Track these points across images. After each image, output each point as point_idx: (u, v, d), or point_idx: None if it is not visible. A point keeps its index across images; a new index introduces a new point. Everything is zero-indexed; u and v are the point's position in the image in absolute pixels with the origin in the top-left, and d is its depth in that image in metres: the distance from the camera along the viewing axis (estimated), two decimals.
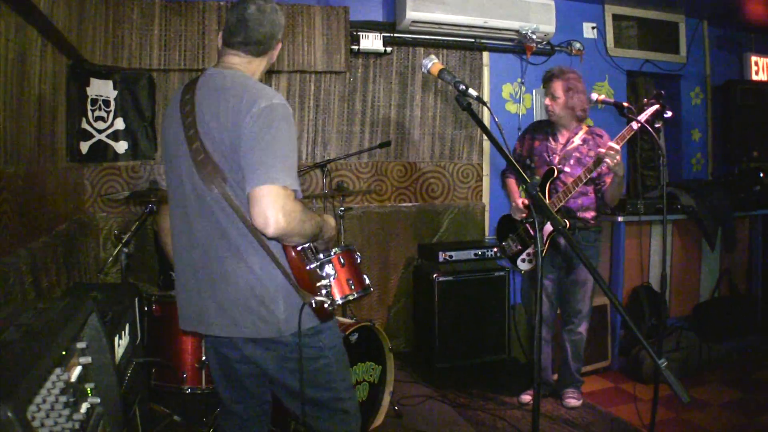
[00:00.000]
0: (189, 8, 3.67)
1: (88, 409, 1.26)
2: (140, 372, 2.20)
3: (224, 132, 1.62)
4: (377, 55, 4.19)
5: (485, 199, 4.62)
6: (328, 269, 1.84)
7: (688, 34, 5.18)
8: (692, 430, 3.18)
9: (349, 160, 4.22)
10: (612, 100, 3.03)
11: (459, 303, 3.86)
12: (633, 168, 5.25)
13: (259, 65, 1.83)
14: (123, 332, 2.02)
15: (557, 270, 3.38)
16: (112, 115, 3.64)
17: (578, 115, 3.26)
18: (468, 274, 3.92)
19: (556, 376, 3.57)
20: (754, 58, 5.55)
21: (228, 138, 1.62)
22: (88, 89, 3.54)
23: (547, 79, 3.31)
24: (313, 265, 1.76)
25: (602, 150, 2.94)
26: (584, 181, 3.05)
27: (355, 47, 4.07)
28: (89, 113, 3.56)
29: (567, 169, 3.24)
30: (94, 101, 3.57)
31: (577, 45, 4.73)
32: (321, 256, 1.88)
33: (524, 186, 1.59)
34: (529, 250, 3.34)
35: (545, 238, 3.20)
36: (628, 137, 2.94)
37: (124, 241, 2.80)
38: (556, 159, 3.29)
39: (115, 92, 3.64)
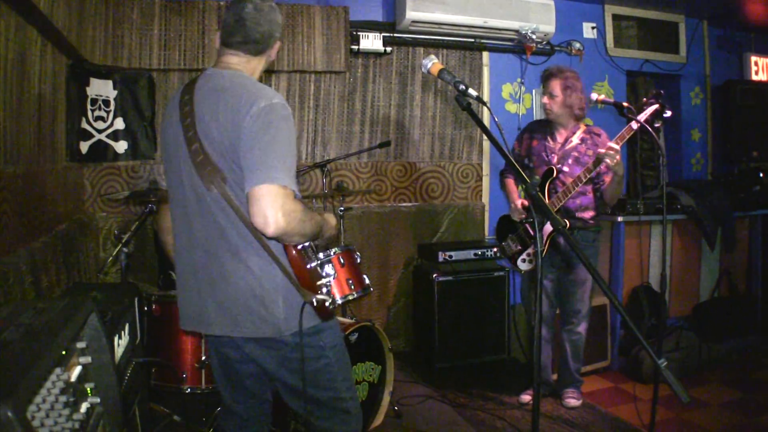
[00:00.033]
0: (189, 8, 3.67)
1: (87, 408, 1.26)
2: (140, 372, 2.20)
3: (223, 132, 1.62)
4: (377, 55, 4.19)
5: (485, 198, 4.62)
6: (328, 269, 1.84)
7: (688, 34, 5.18)
8: (692, 430, 3.18)
9: (349, 160, 4.22)
10: (612, 100, 3.04)
11: (459, 303, 3.86)
12: (633, 168, 5.25)
13: (258, 64, 1.83)
14: (123, 332, 2.02)
15: (556, 270, 3.38)
16: (111, 114, 3.64)
17: (576, 114, 3.26)
18: (468, 274, 3.92)
19: (555, 376, 3.57)
20: (753, 58, 5.55)
21: (227, 138, 1.62)
22: (87, 89, 3.54)
23: (545, 78, 3.31)
24: (313, 264, 1.76)
25: (602, 150, 2.94)
26: (584, 181, 3.05)
27: (355, 47, 4.07)
28: (89, 113, 3.56)
29: (565, 168, 3.24)
30: (93, 101, 3.57)
31: (577, 45, 4.73)
32: (321, 256, 1.88)
33: (524, 186, 1.59)
34: (529, 250, 3.34)
35: (545, 239, 3.20)
36: (627, 137, 2.94)
37: (123, 240, 2.80)
38: (555, 158, 3.29)
39: (115, 92, 3.64)
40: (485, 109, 2.76)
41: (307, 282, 1.71)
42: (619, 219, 4.11)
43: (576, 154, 3.26)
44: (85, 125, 3.55)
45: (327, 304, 1.73)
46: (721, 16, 5.12)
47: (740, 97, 5.21)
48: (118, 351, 1.92)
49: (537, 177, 3.24)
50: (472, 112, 1.82)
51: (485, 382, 3.78)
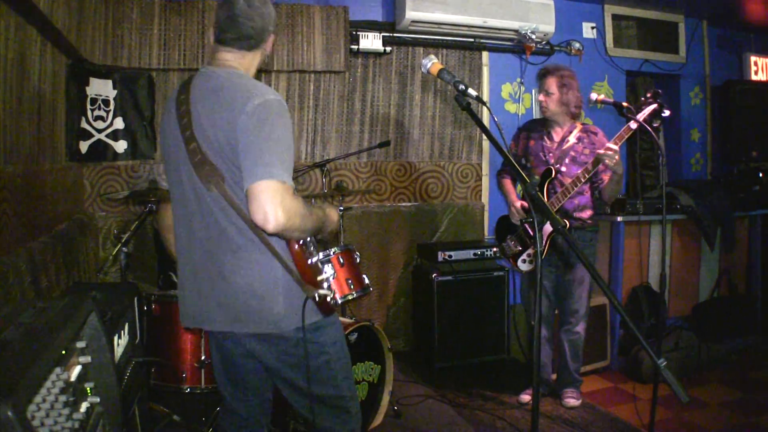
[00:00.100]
0: (188, 7, 3.67)
1: (87, 408, 1.26)
2: (140, 371, 2.20)
3: (219, 131, 1.62)
4: (377, 54, 4.19)
5: (484, 198, 4.62)
6: (328, 269, 1.85)
7: (688, 34, 5.19)
8: (691, 430, 3.18)
9: (349, 160, 4.22)
10: (611, 99, 3.04)
11: (458, 303, 3.86)
12: (632, 168, 5.25)
13: (252, 59, 1.83)
14: (122, 331, 2.02)
15: (555, 270, 3.38)
16: (111, 114, 3.64)
17: (572, 112, 3.26)
18: (467, 273, 3.92)
19: (555, 376, 3.57)
20: (753, 58, 5.56)
21: (224, 137, 1.62)
22: (87, 89, 3.54)
23: (542, 76, 3.31)
24: (314, 259, 1.76)
25: (601, 151, 2.94)
26: (583, 181, 3.05)
27: (355, 47, 4.07)
28: (89, 113, 3.56)
29: (563, 168, 3.25)
30: (93, 101, 3.57)
31: (577, 45, 4.73)
32: (320, 255, 1.88)
33: (523, 186, 1.59)
34: (530, 250, 3.35)
35: (545, 239, 3.20)
36: (626, 137, 2.94)
37: (123, 240, 2.80)
38: (552, 158, 3.29)
39: (115, 92, 3.64)
40: (485, 108, 2.76)
41: (309, 277, 1.71)
42: (619, 219, 4.12)
43: (573, 153, 3.26)
44: (84, 125, 3.55)
45: (328, 299, 1.73)
46: (721, 16, 5.12)
47: (740, 97, 5.21)
48: (118, 350, 1.92)
49: (537, 177, 3.24)
50: (471, 111, 1.82)
51: (485, 381, 3.78)
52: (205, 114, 1.65)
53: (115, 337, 1.89)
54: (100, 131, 3.62)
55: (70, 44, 2.98)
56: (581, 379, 3.51)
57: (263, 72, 3.91)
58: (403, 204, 4.40)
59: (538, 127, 3.43)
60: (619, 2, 4.87)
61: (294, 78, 4.03)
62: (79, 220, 3.37)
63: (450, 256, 3.93)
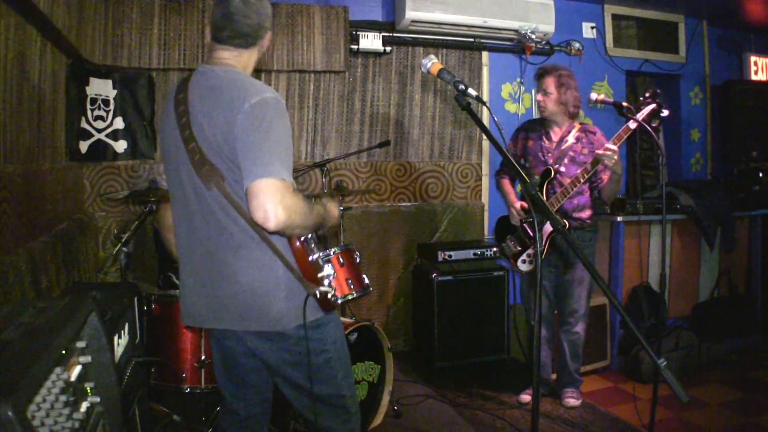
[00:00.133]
0: (188, 7, 3.67)
1: (87, 408, 1.26)
2: (140, 371, 2.20)
3: (218, 130, 1.62)
4: (377, 54, 4.19)
5: (484, 198, 4.62)
6: (328, 268, 1.84)
7: (688, 34, 5.19)
8: (691, 430, 3.18)
9: (348, 160, 4.22)
10: (611, 99, 3.03)
11: (458, 302, 3.86)
12: (632, 168, 5.25)
13: (250, 57, 1.83)
14: (122, 331, 2.02)
15: (555, 269, 3.38)
16: (111, 114, 3.64)
17: (571, 112, 3.26)
18: (467, 273, 3.92)
19: (555, 376, 3.57)
20: (753, 58, 5.55)
21: (222, 136, 1.62)
22: (87, 88, 3.54)
23: (540, 75, 3.31)
24: (315, 256, 1.76)
25: (600, 151, 2.94)
26: (582, 182, 3.05)
27: (355, 47, 4.07)
28: (89, 112, 3.56)
29: (562, 168, 3.24)
30: (93, 100, 3.57)
31: (577, 45, 4.73)
32: (321, 254, 1.88)
33: (523, 186, 1.59)
34: (529, 251, 3.34)
35: (545, 239, 3.20)
36: (625, 137, 2.94)
37: (123, 240, 2.80)
38: (551, 159, 3.29)
39: (115, 91, 3.64)
40: (485, 108, 2.76)
41: (311, 274, 1.71)
42: (619, 219, 4.12)
43: (572, 153, 3.25)
44: (84, 125, 3.55)
45: (329, 296, 1.73)
46: (721, 16, 5.12)
47: (740, 97, 5.21)
48: (118, 350, 1.92)
49: (537, 177, 3.24)
50: (471, 111, 1.82)
51: (485, 381, 3.78)
52: (204, 113, 1.66)
53: (116, 337, 1.89)
54: (100, 131, 3.62)
55: (70, 44, 2.98)
56: (581, 379, 3.51)
57: (263, 72, 3.91)
58: (403, 204, 4.40)
59: (536, 127, 3.43)
60: (619, 2, 4.87)
61: (294, 78, 4.03)
62: (79, 219, 3.37)
63: (450, 256, 3.93)
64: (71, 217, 3.23)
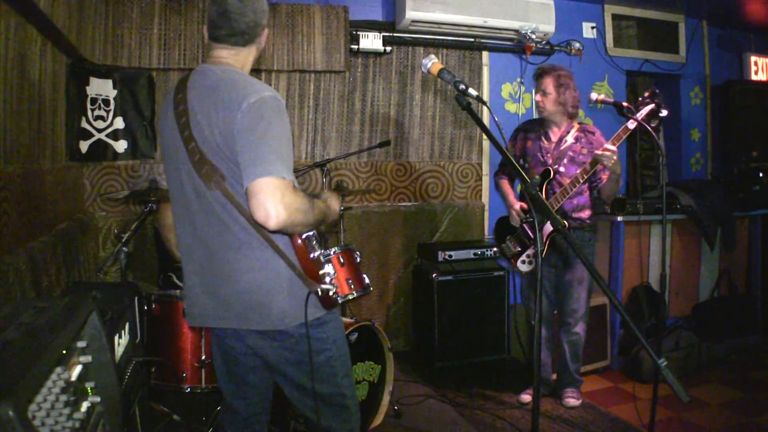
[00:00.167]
0: (188, 7, 3.67)
1: (88, 408, 1.26)
2: (140, 371, 2.20)
3: (217, 130, 1.62)
4: (377, 54, 4.19)
5: (485, 198, 4.62)
6: (328, 268, 1.84)
7: (688, 34, 5.18)
8: (691, 430, 3.18)
9: (349, 160, 4.22)
10: (611, 99, 3.03)
11: (458, 302, 3.86)
12: (632, 168, 5.25)
13: (248, 55, 1.83)
14: (123, 331, 2.02)
15: (554, 269, 3.38)
16: (111, 114, 3.64)
17: (569, 112, 3.25)
18: (467, 273, 3.92)
19: (555, 376, 3.57)
20: (753, 58, 5.55)
21: (222, 136, 1.62)
22: (87, 88, 3.54)
23: (538, 76, 3.31)
24: (317, 253, 1.76)
25: (599, 151, 2.93)
26: (581, 182, 3.05)
27: (355, 47, 4.07)
28: (89, 112, 3.56)
29: (561, 169, 3.24)
30: (93, 100, 3.57)
31: (577, 45, 4.73)
32: (321, 252, 1.88)
33: (523, 186, 1.59)
34: (529, 251, 3.34)
35: (544, 239, 3.20)
36: (624, 137, 2.93)
37: (123, 240, 2.80)
38: (551, 159, 3.29)
39: (115, 91, 3.64)
40: (485, 108, 2.76)
41: (312, 271, 1.72)
42: (619, 219, 4.11)
43: (571, 153, 3.25)
44: (84, 124, 3.55)
45: (331, 293, 1.73)
46: (721, 16, 5.12)
47: (740, 97, 5.21)
48: (119, 350, 1.92)
49: (537, 177, 3.24)
50: (472, 111, 1.82)
51: (485, 381, 3.78)
52: (203, 113, 1.66)
53: (116, 337, 1.89)
54: (100, 131, 3.62)
55: (70, 44, 2.98)
56: (581, 379, 3.51)
57: (264, 72, 3.92)
58: (404, 204, 4.40)
59: (535, 127, 3.42)
60: (619, 2, 4.87)
61: (294, 78, 4.03)
62: (80, 219, 3.37)
63: (450, 256, 3.93)
64: (71, 216, 3.23)
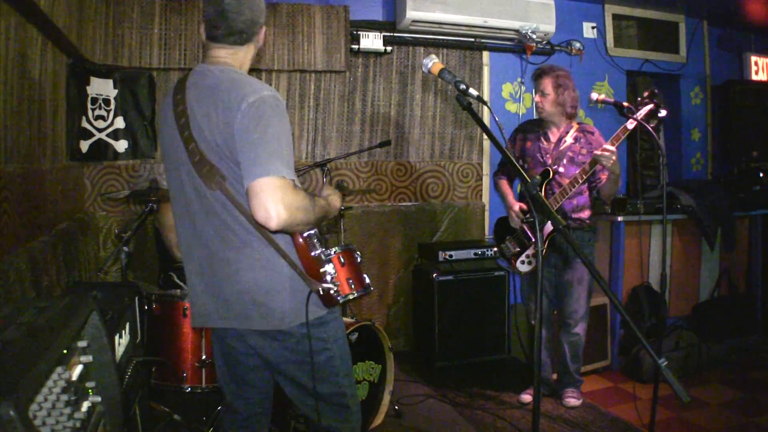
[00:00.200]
0: (189, 7, 3.67)
1: (89, 407, 1.26)
2: (140, 371, 2.20)
3: (217, 131, 1.62)
4: (377, 54, 4.19)
5: (485, 198, 4.62)
6: (329, 268, 1.84)
7: (688, 34, 5.19)
8: (692, 430, 3.18)
9: (349, 160, 4.22)
10: (612, 99, 3.03)
11: (459, 302, 3.86)
12: (633, 168, 5.25)
13: (246, 54, 1.82)
14: (123, 331, 2.02)
15: (554, 269, 3.38)
16: (112, 114, 3.64)
17: (568, 112, 3.25)
18: (468, 273, 3.92)
19: (555, 376, 3.57)
20: (753, 58, 5.56)
21: (221, 136, 1.62)
22: (88, 88, 3.54)
23: (537, 76, 3.30)
24: (318, 251, 1.76)
25: (598, 152, 2.93)
26: (581, 182, 3.05)
27: (355, 46, 4.07)
28: (89, 112, 3.56)
29: (561, 169, 3.24)
30: (94, 100, 3.57)
31: (577, 45, 4.73)
32: (322, 251, 1.88)
33: (524, 186, 1.59)
34: (528, 251, 3.34)
35: (544, 239, 3.20)
36: (623, 137, 2.93)
37: (124, 240, 2.80)
38: (550, 159, 3.28)
39: (116, 91, 3.64)
40: (485, 108, 2.75)
41: (314, 270, 1.72)
42: (620, 219, 4.11)
43: (571, 153, 3.25)
44: (85, 124, 3.55)
45: (332, 292, 1.73)
46: (721, 15, 5.12)
47: (740, 97, 5.21)
48: (119, 350, 1.92)
49: (538, 177, 3.24)
50: (473, 111, 1.82)
51: (485, 381, 3.78)
52: (202, 114, 1.65)
53: (116, 337, 1.89)
54: (100, 131, 3.62)
55: (70, 43, 2.98)
56: (582, 379, 3.51)
57: (264, 71, 3.92)
58: (404, 204, 4.40)
59: (534, 128, 3.42)
60: (619, 2, 4.87)
61: (294, 77, 4.03)
62: (80, 219, 3.37)
63: (451, 256, 3.93)
64: (72, 216, 3.23)
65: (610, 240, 4.23)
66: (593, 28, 4.84)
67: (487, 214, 4.61)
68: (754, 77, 5.55)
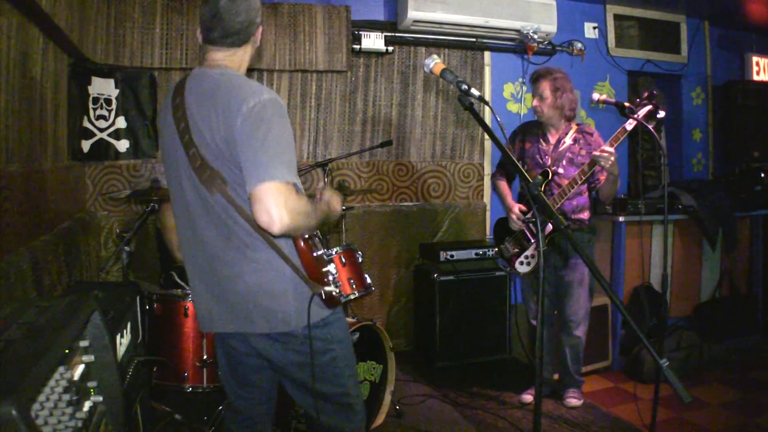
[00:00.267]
0: (190, 6, 3.67)
1: (90, 407, 1.27)
2: (142, 370, 2.20)
3: (217, 135, 1.61)
4: (379, 54, 4.20)
5: (486, 198, 4.62)
6: (330, 268, 1.85)
7: (689, 34, 5.18)
8: (692, 430, 3.18)
9: (350, 160, 4.22)
10: (613, 99, 3.03)
11: (460, 302, 3.86)
12: (634, 168, 5.25)
13: (243, 55, 1.81)
14: (125, 331, 2.02)
15: (553, 270, 3.37)
16: (113, 113, 3.65)
17: (567, 115, 3.24)
18: (469, 273, 3.92)
19: (557, 376, 3.57)
20: (755, 59, 5.55)
21: (222, 141, 1.61)
22: (89, 88, 3.55)
23: (534, 80, 3.29)
24: (319, 252, 1.76)
25: (597, 152, 2.93)
26: (580, 183, 3.05)
27: (357, 46, 4.07)
28: (91, 112, 3.57)
29: (560, 170, 3.24)
30: (95, 100, 3.57)
31: (579, 45, 4.73)
32: (324, 251, 1.88)
33: (527, 186, 1.58)
34: (527, 252, 3.33)
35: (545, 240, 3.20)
36: (621, 138, 2.93)
37: (125, 239, 2.81)
38: (549, 161, 3.28)
39: (117, 91, 3.64)
40: (487, 108, 2.76)
41: (316, 272, 1.71)
42: (621, 219, 4.11)
43: (570, 155, 3.25)
44: (86, 124, 3.56)
45: (334, 294, 1.73)
46: (723, 16, 5.12)
47: (741, 97, 5.21)
48: (121, 350, 1.92)
49: (539, 177, 3.24)
50: (474, 111, 1.82)
51: (486, 381, 3.78)
52: (202, 118, 1.64)
53: (118, 336, 1.89)
54: (102, 130, 3.62)
55: (72, 43, 2.99)
56: (583, 379, 3.51)
57: (265, 71, 3.92)
58: (405, 204, 4.40)
59: (533, 129, 3.41)
60: (620, 2, 4.87)
61: (296, 77, 4.03)
62: (81, 219, 3.37)
63: (452, 256, 3.93)
64: (73, 216, 3.23)
65: (611, 240, 4.23)
66: (594, 28, 4.84)
67: (488, 214, 4.61)
68: (755, 77, 5.54)
